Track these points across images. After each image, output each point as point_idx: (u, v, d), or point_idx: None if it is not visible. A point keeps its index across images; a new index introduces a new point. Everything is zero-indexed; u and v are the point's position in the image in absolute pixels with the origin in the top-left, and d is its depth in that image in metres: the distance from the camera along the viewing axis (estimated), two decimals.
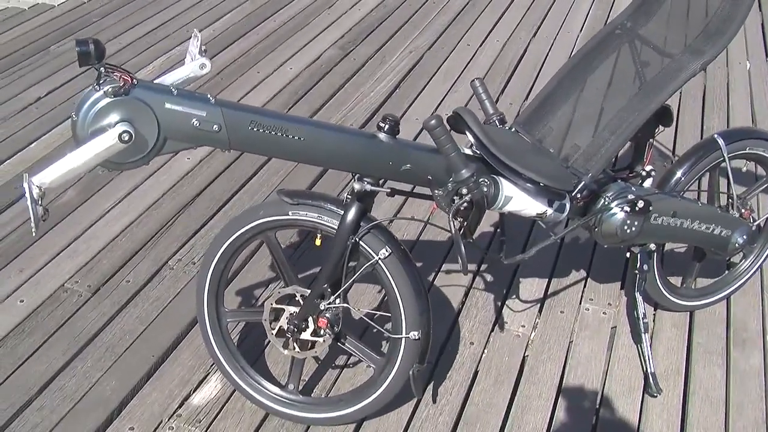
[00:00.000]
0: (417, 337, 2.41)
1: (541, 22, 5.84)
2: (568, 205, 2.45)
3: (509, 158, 2.33)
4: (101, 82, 2.00)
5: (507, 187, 2.34)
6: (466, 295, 3.25)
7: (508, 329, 3.08)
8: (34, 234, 1.98)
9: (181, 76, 2.23)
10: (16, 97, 4.66)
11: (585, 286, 3.31)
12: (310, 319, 2.50)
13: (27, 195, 1.91)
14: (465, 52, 5.33)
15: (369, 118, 4.46)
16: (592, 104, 2.62)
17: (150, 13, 5.90)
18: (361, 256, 2.39)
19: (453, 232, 2.22)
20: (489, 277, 3.33)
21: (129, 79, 2.02)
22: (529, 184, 2.34)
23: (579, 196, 2.45)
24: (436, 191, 2.29)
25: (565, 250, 3.50)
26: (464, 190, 2.24)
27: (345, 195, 2.38)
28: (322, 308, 2.47)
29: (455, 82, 4.95)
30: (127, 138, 2.00)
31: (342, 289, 2.43)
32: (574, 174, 2.44)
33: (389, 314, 2.45)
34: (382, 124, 2.27)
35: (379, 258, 2.36)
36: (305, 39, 5.50)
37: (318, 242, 2.44)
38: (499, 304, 3.21)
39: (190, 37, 2.28)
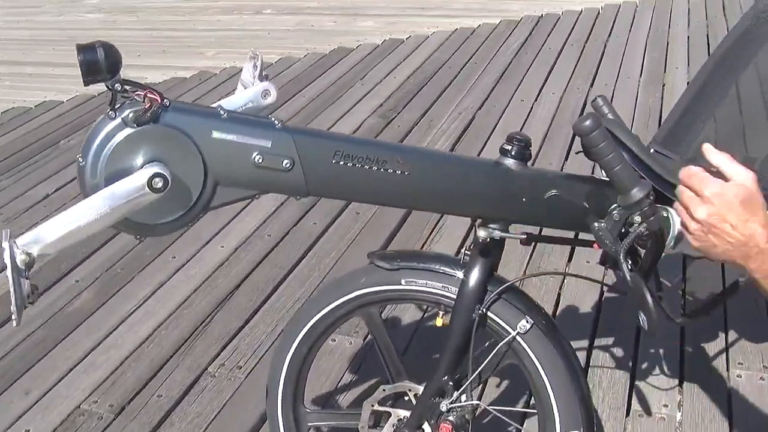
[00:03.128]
0: None
1: (597, 70, 5.38)
2: None
3: (674, 178, 1.70)
4: (117, 106, 1.43)
5: (678, 218, 1.68)
6: (588, 360, 2.64)
7: (647, 413, 2.43)
8: (15, 324, 1.36)
9: (235, 106, 1.64)
10: (22, 196, 4.13)
11: (728, 346, 2.68)
12: (427, 425, 1.85)
13: (7, 260, 1.31)
14: (520, 109, 4.78)
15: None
16: (753, 105, 2.03)
17: None
18: (493, 332, 1.78)
19: (628, 277, 1.58)
20: (608, 344, 2.70)
21: (158, 99, 1.44)
22: None
23: None
24: (596, 224, 1.65)
25: None
26: (637, 218, 1.60)
27: (462, 252, 1.78)
28: (444, 409, 1.82)
29: None
30: (160, 185, 1.42)
31: (469, 381, 1.80)
32: None
33: (535, 411, 1.83)
34: (507, 147, 1.67)
35: (518, 332, 1.75)
36: (340, 111, 5.00)
37: (440, 322, 1.84)
38: (627, 380, 2.57)
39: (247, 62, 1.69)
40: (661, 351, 2.67)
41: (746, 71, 2.11)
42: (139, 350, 2.85)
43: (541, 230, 1.84)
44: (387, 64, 5.79)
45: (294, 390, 1.99)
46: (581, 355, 2.64)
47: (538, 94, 4.98)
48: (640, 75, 5.23)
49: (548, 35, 6.17)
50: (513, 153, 1.66)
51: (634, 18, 6.44)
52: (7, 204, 4.03)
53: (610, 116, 1.91)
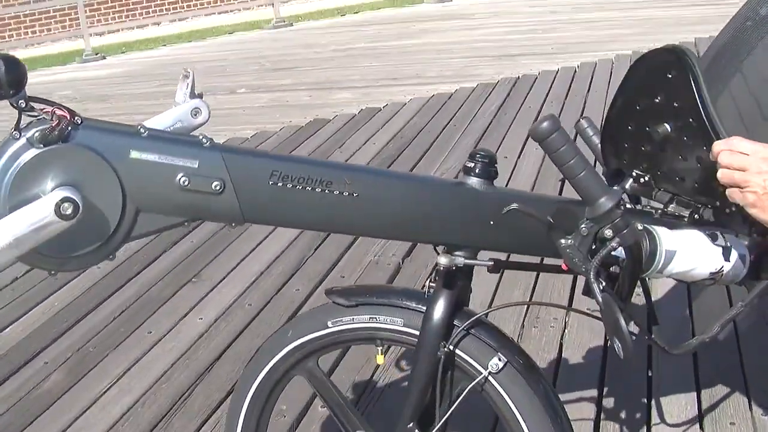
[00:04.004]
0: None
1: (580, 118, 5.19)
2: (748, 254, 1.60)
3: None
4: (23, 126, 1.28)
5: (666, 239, 1.51)
6: (598, 415, 2.42)
7: None
8: None
9: (162, 126, 1.48)
10: None
11: (747, 385, 2.49)
12: None
13: None
14: (505, 164, 4.64)
15: (412, 247, 3.67)
16: (745, 114, 1.89)
17: None
18: (460, 372, 1.59)
19: (599, 297, 1.40)
20: (619, 394, 2.50)
21: (67, 116, 1.29)
22: (696, 229, 1.53)
23: None
24: (563, 241, 1.47)
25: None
26: (608, 232, 1.42)
27: (426, 285, 1.60)
28: None
29: None
30: (69, 211, 1.27)
31: (436, 428, 1.59)
32: None
33: None
34: (470, 164, 1.51)
35: (490, 372, 1.55)
36: None
37: (380, 359, 1.66)
38: (643, 417, 2.39)
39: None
40: (676, 397, 2.47)
41: (732, 81, 1.98)
42: (113, 429, 2.63)
43: (508, 256, 1.66)
44: (365, 132, 5.68)
45: None
46: (590, 408, 2.45)
47: (521, 150, 4.84)
48: None
49: (526, 95, 6.10)
50: (477, 171, 1.50)
51: (611, 74, 6.38)
52: None
53: (594, 138, 1.76)
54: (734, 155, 1.38)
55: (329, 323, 1.64)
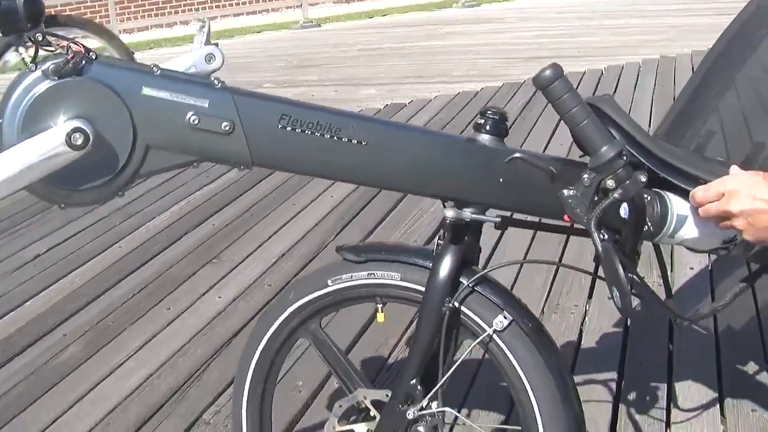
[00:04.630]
0: None
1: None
2: None
3: (678, 161, 1.52)
4: (39, 59, 1.32)
5: (678, 204, 1.51)
6: (617, 399, 2.37)
7: None
8: None
9: (177, 68, 1.50)
10: (13, 256, 3.91)
11: (765, 354, 2.49)
12: None
13: None
14: None
15: (434, 233, 3.66)
16: (756, 93, 1.88)
17: None
18: (465, 329, 1.58)
19: (599, 247, 1.40)
20: (638, 381, 2.45)
21: (82, 50, 1.32)
22: None
23: None
24: (565, 191, 1.46)
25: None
26: (610, 182, 1.41)
27: (435, 242, 1.59)
28: (412, 417, 1.60)
29: None
30: (80, 141, 1.29)
31: (439, 384, 1.57)
32: None
33: (518, 427, 1.59)
34: (481, 121, 1.51)
35: (494, 330, 1.54)
36: None
37: (381, 317, 1.66)
38: (662, 402, 2.36)
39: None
40: (696, 383, 2.44)
41: (749, 61, 1.97)
42: (129, 400, 2.62)
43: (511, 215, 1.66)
44: None
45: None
46: (609, 393, 2.43)
47: (546, 146, 4.82)
48: (649, 127, 5.08)
49: None
50: (488, 128, 1.50)
51: (638, 77, 6.36)
52: None
53: (609, 99, 1.73)
54: (708, 191, 1.44)
55: (329, 282, 1.64)
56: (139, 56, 10.52)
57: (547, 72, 1.39)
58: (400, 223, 3.83)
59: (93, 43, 6.28)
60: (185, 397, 2.61)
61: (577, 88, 5.47)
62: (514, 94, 6.21)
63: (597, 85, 6.26)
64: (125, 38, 11.67)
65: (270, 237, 3.81)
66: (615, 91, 6.02)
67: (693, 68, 6.41)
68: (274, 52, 9.48)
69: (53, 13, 6.32)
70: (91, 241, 3.98)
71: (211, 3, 14.80)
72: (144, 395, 2.64)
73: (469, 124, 5.51)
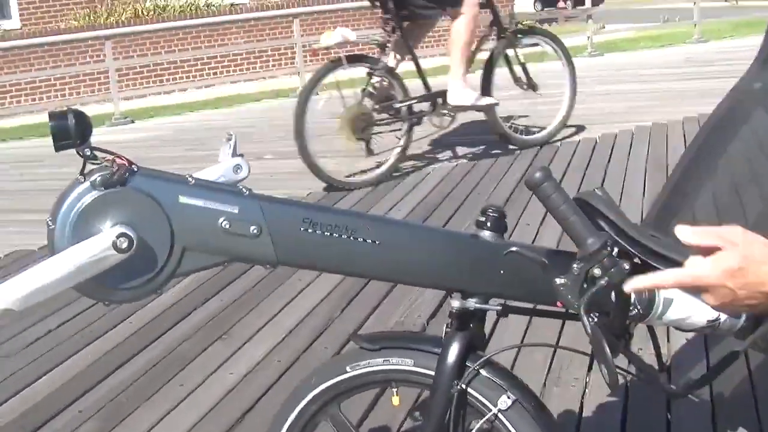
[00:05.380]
0: None
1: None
2: None
3: (663, 248, 1.65)
4: (87, 171, 1.46)
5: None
6: None
7: None
8: None
9: (208, 178, 1.64)
10: (23, 332, 4.00)
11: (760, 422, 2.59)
12: None
13: None
14: (527, 231, 4.77)
15: (436, 309, 3.76)
16: (742, 177, 2.01)
17: None
18: (472, 409, 1.70)
19: (588, 329, 1.53)
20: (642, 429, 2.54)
21: (126, 163, 1.47)
22: None
23: None
24: (557, 280, 1.58)
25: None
26: (597, 270, 1.54)
27: (444, 330, 1.72)
28: None
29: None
30: (125, 245, 1.42)
31: None
32: None
33: None
34: (482, 219, 1.65)
35: (499, 410, 1.66)
36: None
37: (396, 401, 1.78)
38: None
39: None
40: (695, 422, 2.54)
41: (731, 146, 2.11)
42: None
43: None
44: (389, 201, 5.82)
45: None
46: None
47: (543, 218, 4.93)
48: (643, 195, 5.24)
49: (549, 164, 6.20)
50: (489, 225, 1.63)
51: (631, 145, 6.50)
52: (7, 341, 3.93)
53: (599, 193, 1.86)
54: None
55: (347, 368, 1.76)
56: (139, 124, 10.73)
57: (537, 175, 1.53)
58: (403, 299, 3.92)
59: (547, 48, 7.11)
60: None
61: (572, 157, 5.60)
62: (511, 165, 6.35)
63: (591, 154, 6.39)
64: (123, 106, 11.89)
65: (277, 313, 3.92)
66: (609, 161, 6.16)
67: (685, 135, 6.58)
68: (275, 122, 9.62)
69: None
70: (102, 317, 4.07)
71: (208, 70, 15.09)
72: None
73: (468, 195, 5.66)
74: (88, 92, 14.36)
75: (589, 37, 13.41)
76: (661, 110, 7.69)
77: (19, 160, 8.96)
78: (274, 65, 15.35)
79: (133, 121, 10.97)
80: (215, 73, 15.09)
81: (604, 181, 5.62)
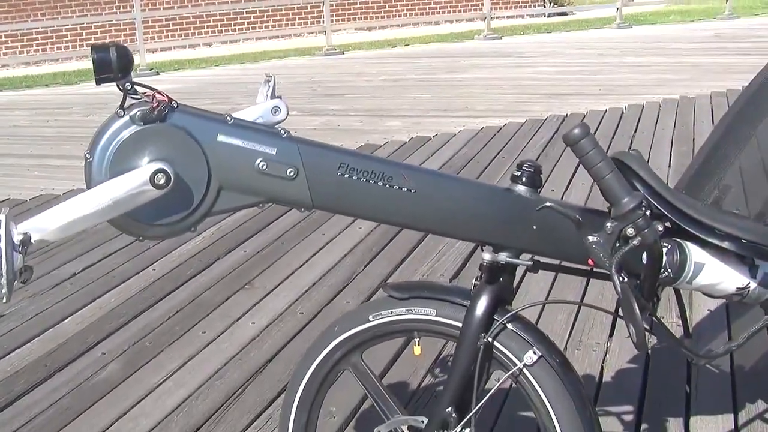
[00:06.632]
0: None
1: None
2: None
3: (696, 213, 1.65)
4: (127, 106, 1.46)
5: (696, 252, 1.64)
6: (637, 430, 2.47)
7: None
8: (4, 300, 1.34)
9: (246, 118, 1.64)
10: (49, 274, 4.05)
11: None
12: None
13: (1, 232, 1.32)
14: (551, 196, 4.71)
15: (461, 268, 3.78)
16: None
17: None
18: (498, 363, 1.70)
19: (618, 288, 1.52)
20: (658, 418, 2.56)
21: (166, 99, 1.47)
22: (726, 244, 1.63)
23: None
24: (590, 238, 1.59)
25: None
26: (630, 230, 1.54)
27: (473, 282, 1.72)
28: None
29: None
30: (163, 181, 1.43)
31: (472, 413, 1.69)
32: None
33: None
34: (518, 173, 1.65)
35: (524, 364, 1.66)
36: None
37: (417, 351, 1.79)
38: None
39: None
40: (714, 424, 2.54)
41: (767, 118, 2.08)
42: (168, 419, 2.74)
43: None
44: (415, 159, 5.80)
45: None
46: (629, 430, 2.53)
47: (568, 184, 4.95)
48: (669, 167, 5.21)
49: None
50: (524, 179, 1.63)
51: (658, 117, 6.48)
52: (33, 281, 3.97)
53: (635, 155, 1.85)
54: None
55: (370, 317, 1.77)
56: (164, 76, 10.73)
57: (576, 131, 1.52)
58: (426, 257, 3.94)
59: None
60: (224, 418, 2.72)
61: (598, 126, 5.61)
62: (537, 130, 6.34)
63: (618, 124, 6.37)
64: (149, 57, 11.90)
65: (301, 265, 3.94)
66: (636, 131, 6.15)
67: (712, 109, 6.55)
68: (300, 79, 9.65)
69: None
70: (126, 263, 4.11)
71: (234, 26, 15.02)
72: (183, 415, 2.75)
73: (493, 159, 5.65)
74: None
75: (618, 9, 13.29)
76: (689, 84, 7.66)
77: (45, 106, 9.00)
78: (300, 23, 15.27)
79: (158, 73, 10.99)
80: (241, 29, 15.02)
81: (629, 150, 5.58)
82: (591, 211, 1.66)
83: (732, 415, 2.57)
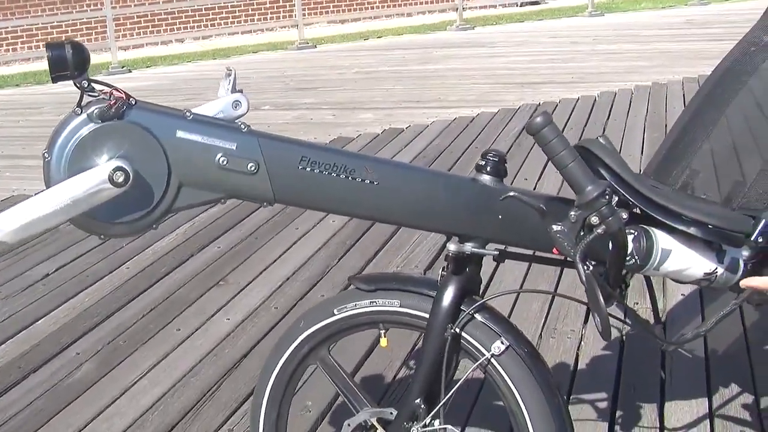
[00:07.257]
0: None
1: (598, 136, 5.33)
2: (742, 260, 1.70)
3: (662, 199, 1.64)
4: (84, 104, 1.44)
5: (663, 239, 1.63)
6: (612, 422, 2.50)
7: None
8: None
9: (206, 114, 1.63)
10: (22, 275, 4.02)
11: (756, 393, 2.58)
12: None
13: None
14: (524, 186, 4.73)
15: (434, 259, 3.78)
16: (745, 131, 1.98)
17: None
18: (466, 353, 1.70)
19: (583, 277, 1.50)
20: (632, 404, 2.58)
21: (123, 97, 1.45)
22: (693, 230, 1.62)
23: (761, 240, 1.70)
24: (554, 227, 1.56)
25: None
26: (594, 218, 1.51)
27: (439, 273, 1.72)
28: None
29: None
30: (121, 179, 1.42)
31: (441, 403, 1.70)
32: (746, 215, 1.72)
33: None
34: (482, 163, 1.64)
35: (492, 354, 1.66)
36: None
37: (384, 342, 1.79)
38: (655, 424, 2.47)
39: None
40: (689, 408, 2.56)
41: (735, 99, 2.08)
42: (143, 418, 2.73)
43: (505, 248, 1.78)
44: (387, 151, 5.80)
45: None
46: (604, 415, 2.54)
47: (541, 173, 4.95)
48: (641, 153, 5.24)
49: None
50: (488, 169, 1.63)
51: (630, 104, 6.51)
52: (5, 283, 3.94)
53: (602, 141, 1.84)
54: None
55: (335, 311, 1.77)
56: (137, 73, 10.66)
57: (537, 119, 1.51)
58: (400, 249, 3.95)
59: None
60: (199, 416, 2.72)
61: (571, 114, 5.64)
62: (510, 119, 6.36)
63: (590, 111, 6.40)
64: (121, 55, 11.81)
65: (275, 260, 3.93)
66: (608, 118, 6.18)
67: (684, 95, 6.58)
68: (272, 74, 9.61)
69: None
70: (99, 262, 4.08)
71: (206, 22, 14.92)
72: (159, 413, 2.74)
73: (466, 150, 5.65)
74: (85, 41, 14.12)
75: None
76: (661, 70, 7.69)
77: (16, 107, 8.92)
78: (272, 17, 15.20)
79: (130, 71, 10.92)
80: (213, 25, 14.94)
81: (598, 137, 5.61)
82: (556, 199, 1.65)
83: (706, 399, 2.60)
